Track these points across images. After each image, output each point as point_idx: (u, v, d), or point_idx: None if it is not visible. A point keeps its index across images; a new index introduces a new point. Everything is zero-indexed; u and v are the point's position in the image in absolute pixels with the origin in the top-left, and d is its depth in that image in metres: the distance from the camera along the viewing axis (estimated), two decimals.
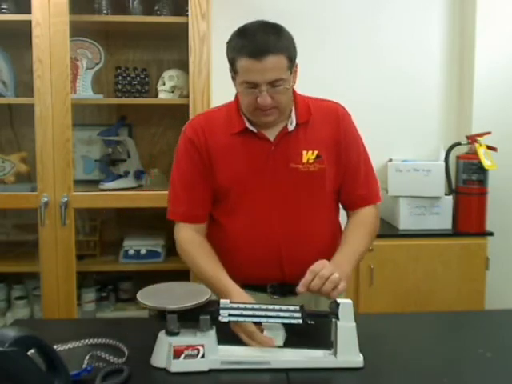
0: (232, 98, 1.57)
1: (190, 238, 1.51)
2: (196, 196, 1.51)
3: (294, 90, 1.52)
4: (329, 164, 1.50)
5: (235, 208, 1.51)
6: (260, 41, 1.34)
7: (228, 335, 1.22)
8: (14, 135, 2.58)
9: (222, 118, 1.52)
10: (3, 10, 2.25)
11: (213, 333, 1.19)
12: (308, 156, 1.47)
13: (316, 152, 1.48)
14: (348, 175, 1.53)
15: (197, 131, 1.50)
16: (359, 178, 1.55)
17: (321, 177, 1.49)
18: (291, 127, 1.48)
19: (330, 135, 1.50)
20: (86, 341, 1.26)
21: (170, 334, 1.18)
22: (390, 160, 2.71)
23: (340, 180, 1.54)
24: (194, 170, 1.50)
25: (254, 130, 1.48)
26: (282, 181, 1.48)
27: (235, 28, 1.43)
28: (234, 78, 1.43)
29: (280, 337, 1.27)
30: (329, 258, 1.56)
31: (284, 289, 1.52)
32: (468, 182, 2.51)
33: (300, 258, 1.48)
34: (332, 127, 1.51)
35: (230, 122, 1.50)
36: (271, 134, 1.48)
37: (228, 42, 1.41)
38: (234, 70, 1.41)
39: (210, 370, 1.17)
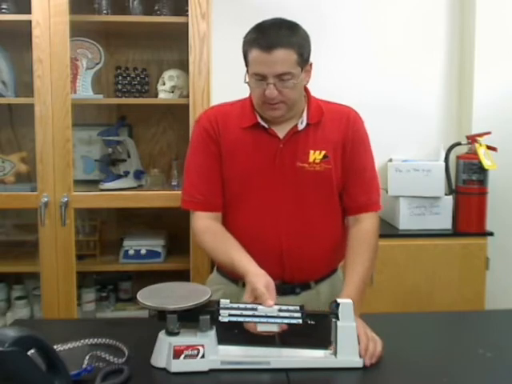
0: (232, 98, 1.58)
1: (205, 226, 1.51)
2: (212, 185, 1.52)
3: (308, 90, 1.55)
4: (336, 165, 1.50)
5: (239, 203, 1.52)
6: (271, 35, 1.37)
7: (228, 335, 1.22)
8: (14, 135, 2.57)
9: (235, 113, 1.53)
10: (3, 10, 2.25)
11: (213, 333, 1.19)
12: (315, 156, 1.48)
13: (323, 152, 1.48)
14: (352, 178, 1.53)
15: (211, 122, 1.52)
16: (363, 182, 1.55)
17: (327, 177, 1.50)
18: (301, 126, 1.49)
19: (338, 136, 1.51)
20: (86, 341, 1.26)
21: (170, 334, 1.18)
22: (390, 160, 2.71)
23: (344, 182, 1.54)
24: (210, 159, 1.51)
25: (266, 125, 1.49)
26: (287, 179, 1.48)
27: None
28: (247, 72, 1.44)
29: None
30: (330, 259, 1.58)
31: (284, 288, 1.52)
32: (468, 181, 2.51)
33: (301, 256, 1.50)
34: (341, 128, 1.52)
35: (242, 117, 1.51)
36: (281, 132, 1.49)
37: (244, 37, 1.44)
38: (246, 63, 1.44)
39: (210, 370, 1.17)
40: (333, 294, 1.54)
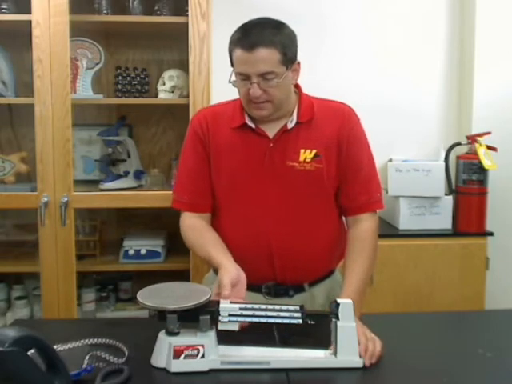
0: (232, 98, 1.57)
1: (191, 224, 1.53)
2: (200, 186, 1.53)
3: (300, 88, 1.53)
4: (328, 164, 1.48)
5: (229, 203, 1.52)
6: (254, 34, 1.37)
7: (228, 335, 1.21)
8: (14, 135, 2.58)
9: (227, 113, 1.53)
10: (3, 10, 2.25)
11: (213, 333, 1.19)
12: (305, 155, 1.47)
13: (314, 151, 1.47)
14: (349, 177, 1.51)
15: (201, 124, 1.53)
16: (361, 181, 1.52)
17: (318, 176, 1.48)
18: (291, 125, 1.48)
19: (332, 134, 1.49)
20: (86, 341, 1.26)
21: (170, 334, 1.18)
22: (390, 160, 2.71)
23: (340, 181, 1.52)
24: (199, 161, 1.53)
25: (253, 125, 1.48)
26: (277, 178, 1.47)
27: (235, 28, 1.43)
28: (233, 72, 1.44)
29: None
30: (324, 260, 1.57)
31: (277, 290, 1.52)
32: (468, 181, 2.51)
33: (292, 256, 1.49)
34: (336, 126, 1.49)
35: (232, 117, 1.51)
36: (271, 131, 1.48)
37: (230, 37, 1.44)
38: (232, 63, 1.44)
39: (210, 370, 1.17)
40: (330, 297, 1.53)
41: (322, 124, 1.49)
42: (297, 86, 1.53)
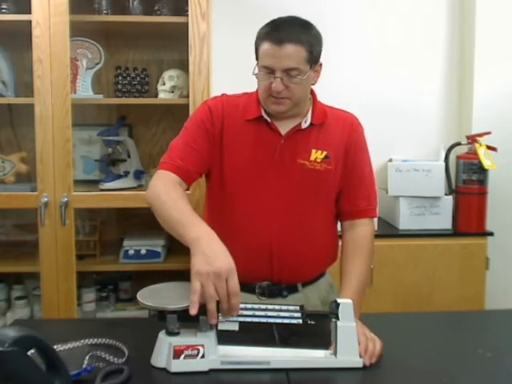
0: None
1: (175, 184, 1.42)
2: (194, 157, 1.49)
3: (314, 94, 1.56)
4: (336, 168, 1.51)
5: (235, 195, 1.51)
6: (284, 30, 1.39)
7: (228, 335, 1.21)
8: (14, 135, 2.57)
9: (241, 104, 1.54)
10: (3, 10, 2.25)
11: (213, 333, 1.19)
12: (316, 155, 1.49)
13: (325, 152, 1.50)
14: (352, 184, 1.55)
15: (217, 106, 1.52)
16: (362, 188, 1.56)
17: (326, 178, 1.50)
18: (305, 125, 1.50)
19: (341, 141, 1.53)
20: (86, 341, 1.26)
21: (170, 334, 1.18)
22: (390, 160, 2.71)
23: (342, 187, 1.55)
24: (201, 135, 1.50)
25: (268, 119, 1.49)
26: (285, 175, 1.48)
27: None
28: (257, 65, 1.46)
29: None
30: (319, 262, 1.58)
31: (272, 290, 1.52)
32: (468, 181, 2.51)
33: (290, 255, 1.49)
34: (344, 134, 1.53)
35: (247, 109, 1.52)
36: (284, 128, 1.50)
37: (257, 32, 1.45)
38: (257, 57, 1.45)
39: (210, 370, 1.17)
40: (322, 299, 1.56)
41: (332, 130, 1.53)
42: (311, 92, 1.55)
